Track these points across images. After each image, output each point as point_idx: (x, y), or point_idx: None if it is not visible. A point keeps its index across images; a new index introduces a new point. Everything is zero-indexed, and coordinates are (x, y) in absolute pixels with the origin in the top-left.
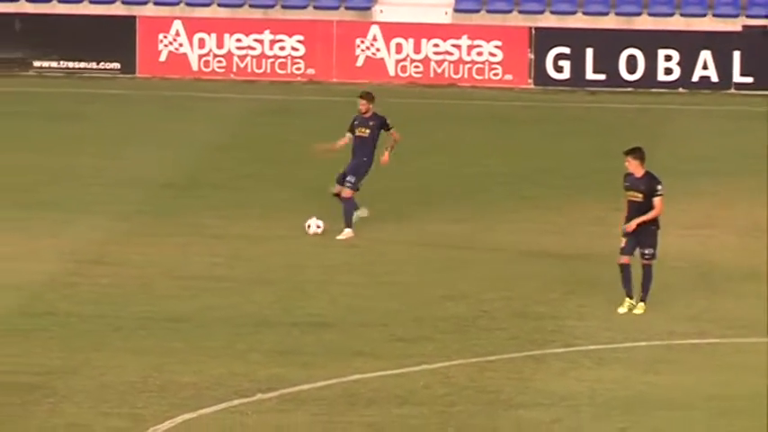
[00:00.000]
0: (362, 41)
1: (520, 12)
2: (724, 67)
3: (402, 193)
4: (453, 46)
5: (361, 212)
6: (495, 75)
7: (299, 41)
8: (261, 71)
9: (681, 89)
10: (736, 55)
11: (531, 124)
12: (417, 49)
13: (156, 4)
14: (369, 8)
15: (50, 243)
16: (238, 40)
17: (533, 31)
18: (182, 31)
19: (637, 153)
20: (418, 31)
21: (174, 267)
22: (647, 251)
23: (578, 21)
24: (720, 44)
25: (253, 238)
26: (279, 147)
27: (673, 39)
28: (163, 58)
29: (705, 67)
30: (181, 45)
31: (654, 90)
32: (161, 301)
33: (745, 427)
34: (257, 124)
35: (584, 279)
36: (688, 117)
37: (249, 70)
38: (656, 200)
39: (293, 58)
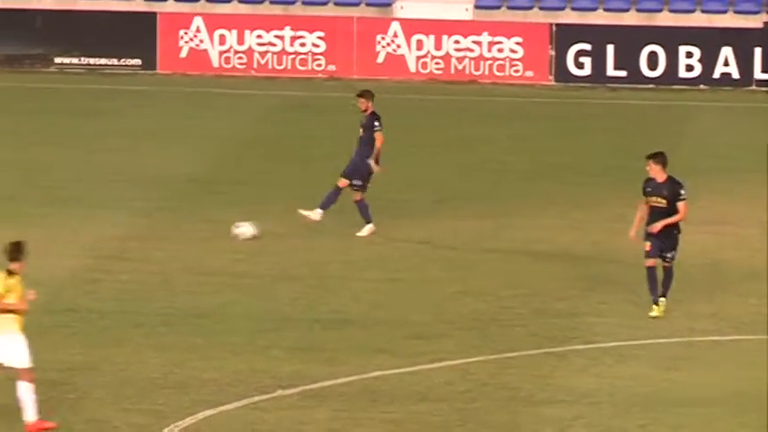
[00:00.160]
0: (383, 38)
1: (541, 8)
2: (745, 63)
3: (422, 189)
4: (474, 42)
5: (313, 215)
6: (516, 71)
7: (319, 38)
8: (281, 67)
9: (702, 86)
10: (758, 51)
11: (552, 121)
12: (438, 46)
13: (176, 0)
14: (389, 4)
15: (72, 239)
16: (259, 37)
17: (554, 28)
18: (202, 28)
19: (659, 158)
20: (439, 28)
21: (196, 263)
22: (668, 254)
23: (599, 17)
24: (741, 41)
25: (274, 235)
26: (300, 143)
27: (694, 35)
28: (184, 54)
29: (726, 64)
30: (202, 41)
31: (675, 87)
32: (182, 297)
33: (766, 425)
34: (278, 121)
35: (604, 276)
36: (709, 114)
37: (270, 67)
38: (681, 204)
39: (314, 54)
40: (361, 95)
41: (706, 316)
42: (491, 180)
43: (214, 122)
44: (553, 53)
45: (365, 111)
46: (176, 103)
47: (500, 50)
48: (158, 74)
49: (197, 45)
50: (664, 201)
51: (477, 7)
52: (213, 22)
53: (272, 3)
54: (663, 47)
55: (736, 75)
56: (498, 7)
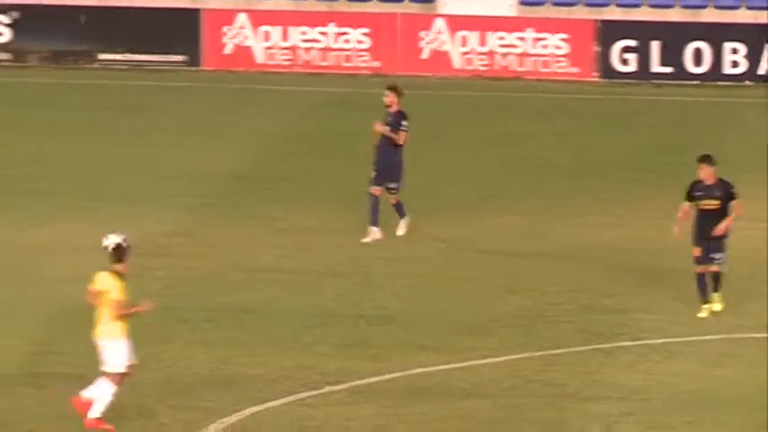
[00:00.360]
0: (427, 34)
1: (585, 4)
2: None
3: (465, 185)
4: (519, 39)
5: (372, 235)
6: (561, 67)
7: (363, 34)
8: (326, 64)
9: (747, 82)
10: None
11: (596, 117)
12: (482, 42)
13: None
14: (433, 0)
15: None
16: (303, 33)
17: (599, 24)
18: (246, 24)
19: (711, 160)
20: (483, 24)
21: (241, 259)
22: (717, 256)
23: (644, 13)
24: None
25: (319, 231)
26: (344, 139)
27: (739, 31)
28: (228, 50)
29: None
30: (246, 38)
31: (720, 83)
32: (227, 293)
33: None
34: (322, 117)
35: (651, 272)
36: (754, 110)
37: (314, 63)
38: (736, 203)
39: (358, 50)
40: (390, 89)
41: (754, 313)
42: (535, 177)
43: (258, 119)
44: (598, 49)
45: (389, 106)
46: (220, 99)
47: (545, 47)
48: (202, 70)
49: (241, 41)
50: (716, 202)
51: (521, 3)
52: (257, 19)
53: None
54: (708, 43)
55: None
56: (543, 3)
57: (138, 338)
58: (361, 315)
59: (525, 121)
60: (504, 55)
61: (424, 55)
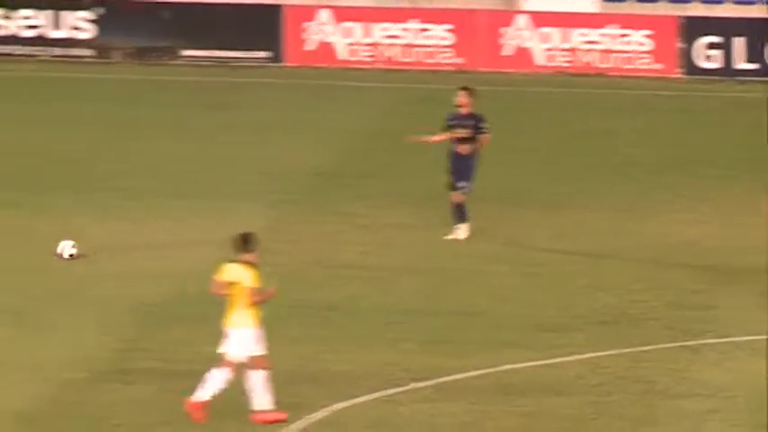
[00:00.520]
0: (510, 30)
1: (669, 1)
2: None
3: (547, 181)
4: (602, 35)
5: (457, 233)
6: (644, 64)
7: (446, 30)
8: (408, 60)
9: None
10: None
11: (680, 114)
12: (565, 39)
13: None
14: None
15: (199, 231)
16: (385, 29)
17: (682, 20)
18: (328, 20)
19: None
20: (566, 20)
21: (324, 256)
22: None
23: (727, 10)
24: None
25: (402, 227)
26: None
27: None
28: (310, 46)
29: None
30: (328, 34)
31: None
32: (311, 289)
33: None
34: (405, 113)
35: (734, 269)
36: None
37: (396, 59)
38: None
39: (440, 47)
40: (465, 89)
41: None
42: (617, 173)
43: (340, 115)
44: (681, 46)
45: (460, 106)
46: (303, 95)
47: (628, 43)
48: (285, 66)
49: (323, 37)
50: None
51: (604, 0)
52: (339, 15)
53: None
54: None
55: None
56: (625, 0)
57: (219, 336)
58: (443, 311)
59: (607, 117)
60: (587, 51)
61: (507, 51)
